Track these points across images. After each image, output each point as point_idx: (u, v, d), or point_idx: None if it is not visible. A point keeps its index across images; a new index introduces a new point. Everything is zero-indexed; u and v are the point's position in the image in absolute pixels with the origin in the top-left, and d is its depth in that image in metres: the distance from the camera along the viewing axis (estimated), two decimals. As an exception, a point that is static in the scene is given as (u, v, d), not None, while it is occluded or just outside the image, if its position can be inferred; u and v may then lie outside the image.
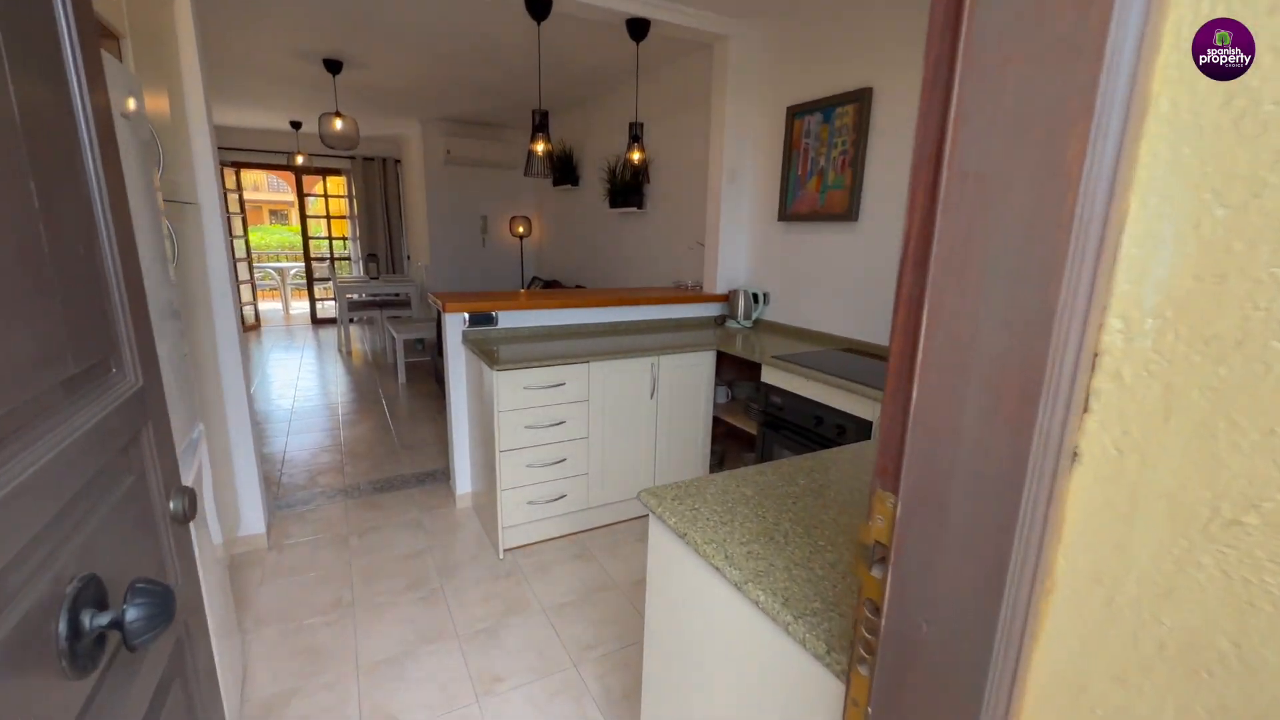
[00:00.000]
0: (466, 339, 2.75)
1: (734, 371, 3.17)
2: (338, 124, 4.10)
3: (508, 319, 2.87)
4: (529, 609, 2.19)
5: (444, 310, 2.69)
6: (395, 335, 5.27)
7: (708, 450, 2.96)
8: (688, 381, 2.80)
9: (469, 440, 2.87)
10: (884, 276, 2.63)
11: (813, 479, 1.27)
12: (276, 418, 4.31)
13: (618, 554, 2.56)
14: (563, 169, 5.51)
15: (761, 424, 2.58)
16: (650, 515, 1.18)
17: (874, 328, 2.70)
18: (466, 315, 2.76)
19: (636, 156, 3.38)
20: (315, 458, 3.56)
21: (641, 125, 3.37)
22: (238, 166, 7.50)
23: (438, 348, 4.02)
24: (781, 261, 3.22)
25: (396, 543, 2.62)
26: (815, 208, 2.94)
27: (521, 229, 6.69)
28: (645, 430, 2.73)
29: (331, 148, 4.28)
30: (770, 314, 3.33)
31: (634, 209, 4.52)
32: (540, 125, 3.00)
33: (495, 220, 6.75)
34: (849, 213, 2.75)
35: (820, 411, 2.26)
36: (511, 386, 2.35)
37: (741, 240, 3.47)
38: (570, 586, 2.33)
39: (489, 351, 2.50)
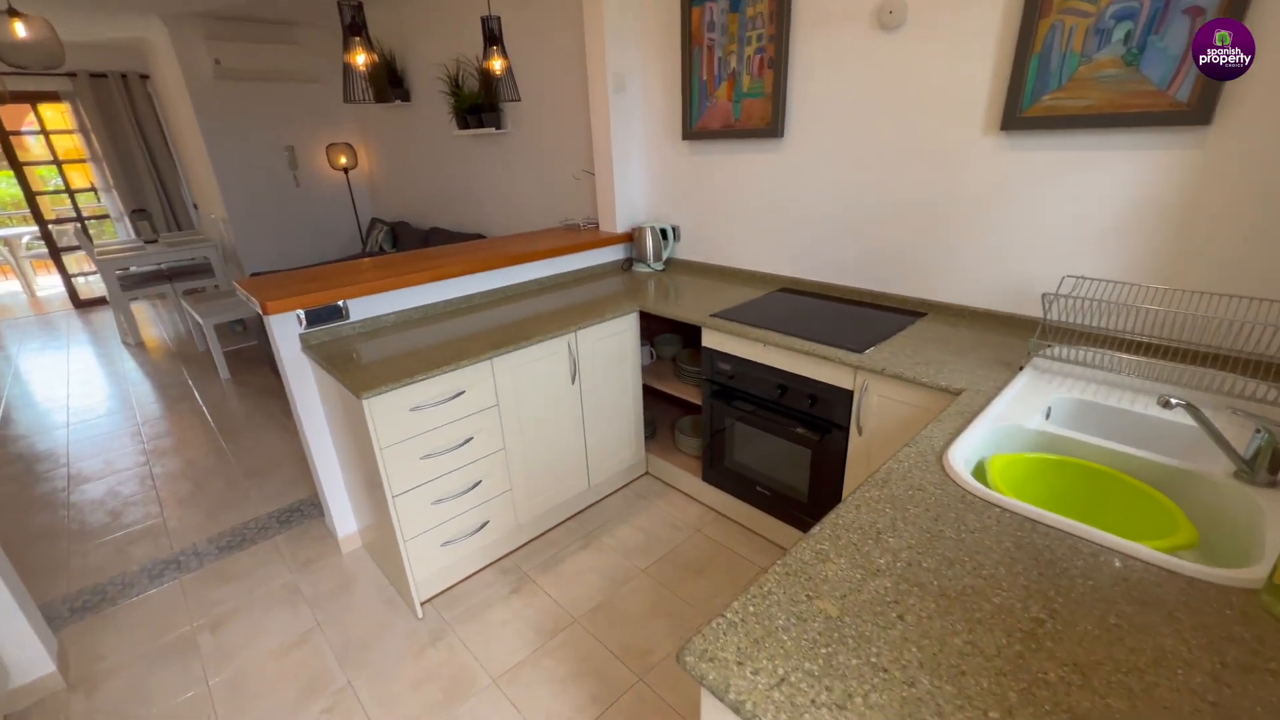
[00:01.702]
0: (309, 346, 2.00)
1: (652, 324, 2.74)
2: (18, 28, 2.72)
3: (362, 307, 2.13)
4: (476, 684, 1.74)
5: (265, 311, 1.90)
6: (200, 319, 4.07)
7: (641, 426, 2.57)
8: (611, 352, 2.33)
9: (341, 468, 2.20)
10: (820, 204, 2.27)
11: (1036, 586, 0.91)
12: (43, 458, 3.17)
13: (560, 572, 2.15)
14: (387, 81, 4.38)
15: (708, 395, 2.21)
16: (706, 691, 0.75)
17: (814, 264, 2.37)
18: (301, 314, 1.99)
19: (499, 65, 2.59)
20: (118, 516, 2.63)
21: (499, 20, 2.55)
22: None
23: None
24: (692, 189, 2.73)
25: (270, 629, 1.97)
26: (729, 122, 2.46)
27: (345, 159, 5.42)
28: (570, 421, 2.25)
29: (21, 67, 2.88)
30: (684, 252, 2.89)
31: (491, 130, 3.68)
32: (356, 26, 2.11)
33: (307, 152, 5.37)
34: (772, 127, 2.31)
35: (783, 379, 1.93)
36: (392, 413, 1.72)
37: (639, 166, 2.91)
38: (519, 636, 1.89)
39: (348, 366, 1.81)
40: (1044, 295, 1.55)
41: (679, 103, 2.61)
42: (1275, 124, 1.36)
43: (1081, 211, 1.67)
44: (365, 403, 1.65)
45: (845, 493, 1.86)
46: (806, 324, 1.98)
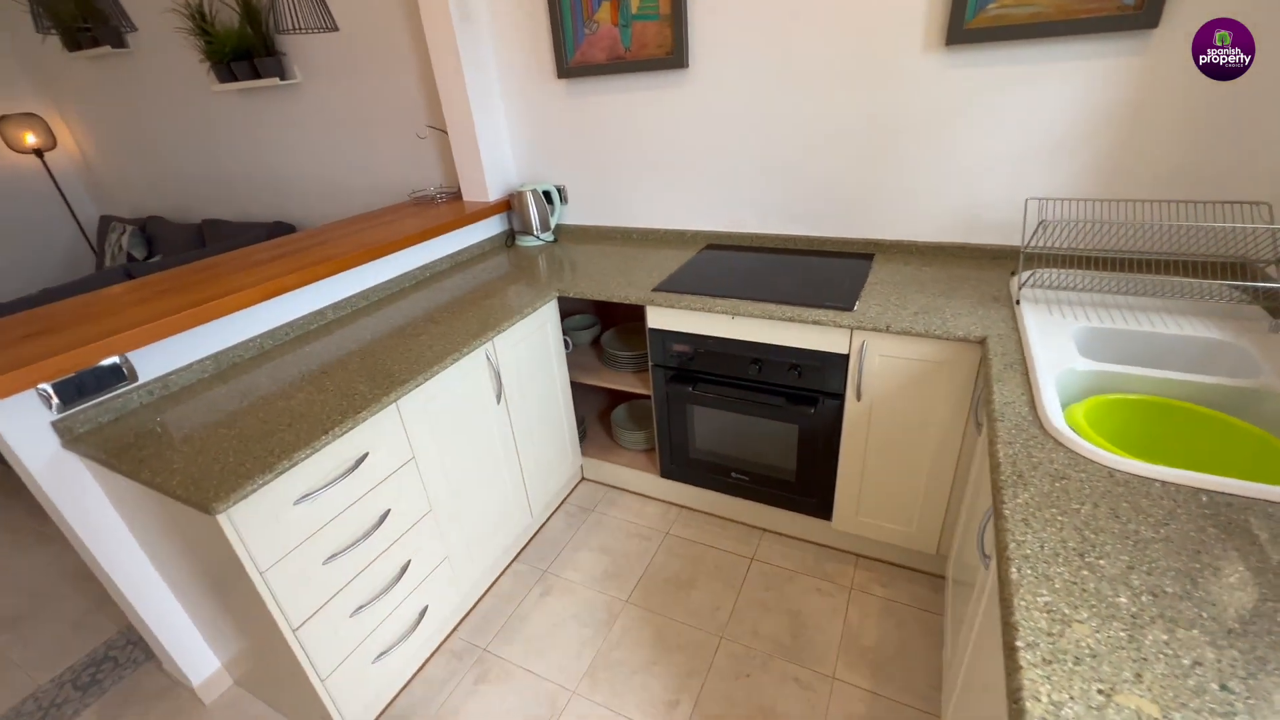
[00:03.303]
0: (76, 439, 1.26)
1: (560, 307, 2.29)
2: None
3: (154, 358, 1.41)
4: (474, 832, 1.30)
5: (-25, 401, 1.12)
6: None
7: (575, 430, 2.17)
8: (535, 354, 1.87)
9: (178, 589, 1.50)
10: (741, 145, 1.99)
11: None
12: None
13: (528, 635, 1.74)
14: (78, 13, 3.08)
15: (662, 382, 1.89)
16: None
17: (740, 214, 2.11)
18: (46, 388, 1.23)
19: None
20: None
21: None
22: None
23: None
24: (577, 140, 2.28)
25: None
26: (617, 53, 2.04)
27: (33, 138, 3.86)
28: (502, 449, 1.78)
29: None
30: (576, 216, 2.45)
31: (273, 82, 2.77)
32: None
33: (-36, 130, 3.71)
34: (674, 56, 1.95)
35: (758, 353, 1.68)
36: (268, 518, 1.13)
37: (504, 115, 2.36)
38: (508, 740, 1.47)
39: (166, 462, 1.15)
40: (1041, 222, 1.46)
41: (547, 31, 2.11)
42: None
43: (1030, 130, 1.61)
44: (223, 518, 1.05)
45: (840, 465, 1.70)
46: (765, 285, 1.73)
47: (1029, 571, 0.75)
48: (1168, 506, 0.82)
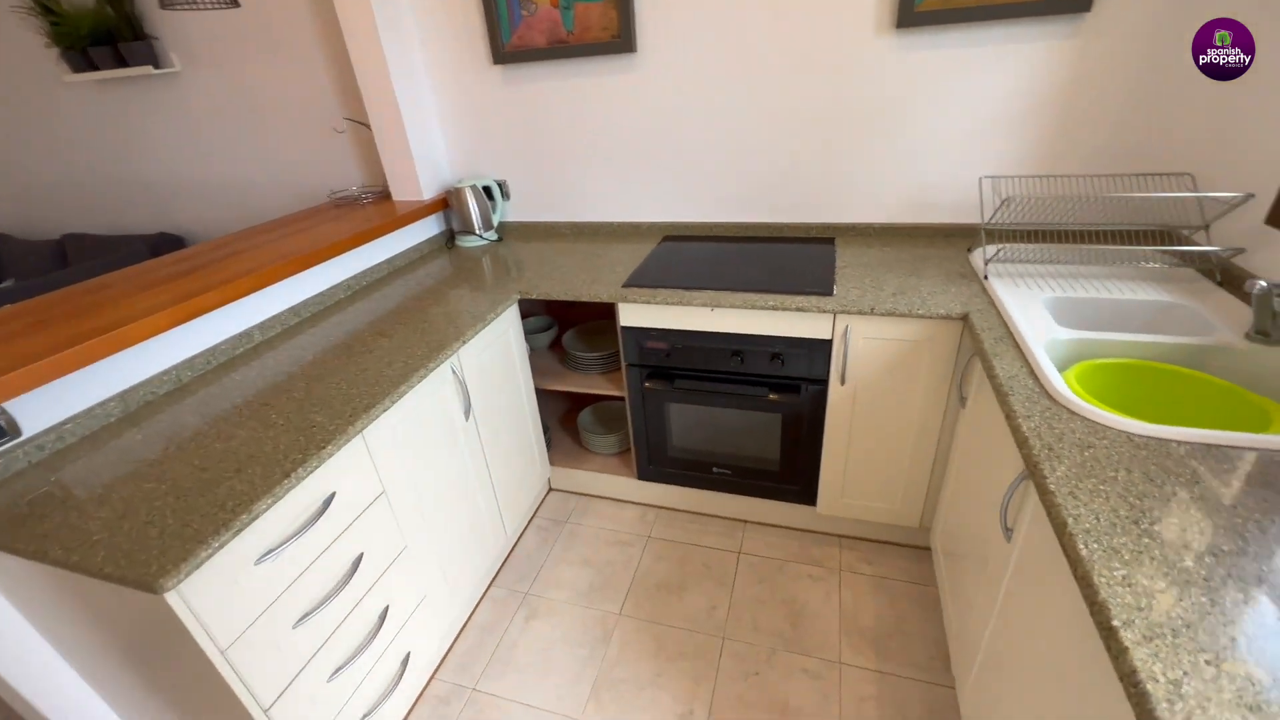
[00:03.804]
0: (-52, 514, 1.00)
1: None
2: None
3: (42, 406, 1.15)
4: None
5: None
6: None
7: (542, 439, 2.04)
8: (498, 362, 1.73)
9: (104, 678, 1.24)
10: (695, 131, 1.94)
11: None
12: None
13: (520, 665, 1.61)
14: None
15: (638, 381, 1.80)
16: None
17: (697, 204, 2.06)
18: (-99, 457, 0.96)
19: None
20: None
21: None
22: None
23: None
24: (518, 131, 2.13)
25: None
26: (559, 36, 1.91)
27: None
28: (475, 468, 1.64)
29: None
30: (520, 213, 2.30)
31: (146, 71, 2.39)
32: None
33: None
34: (621, 40, 1.86)
35: (739, 344, 1.64)
36: (225, 586, 0.95)
37: (434, 105, 2.16)
38: (517, 785, 1.35)
39: (78, 535, 0.93)
40: (1005, 199, 1.52)
41: (479, 13, 1.94)
42: (1141, 4, 1.46)
43: (976, 111, 1.67)
44: (173, 596, 0.86)
45: (825, 450, 1.70)
46: (736, 274, 1.69)
47: (1095, 546, 0.74)
48: (1192, 466, 0.86)
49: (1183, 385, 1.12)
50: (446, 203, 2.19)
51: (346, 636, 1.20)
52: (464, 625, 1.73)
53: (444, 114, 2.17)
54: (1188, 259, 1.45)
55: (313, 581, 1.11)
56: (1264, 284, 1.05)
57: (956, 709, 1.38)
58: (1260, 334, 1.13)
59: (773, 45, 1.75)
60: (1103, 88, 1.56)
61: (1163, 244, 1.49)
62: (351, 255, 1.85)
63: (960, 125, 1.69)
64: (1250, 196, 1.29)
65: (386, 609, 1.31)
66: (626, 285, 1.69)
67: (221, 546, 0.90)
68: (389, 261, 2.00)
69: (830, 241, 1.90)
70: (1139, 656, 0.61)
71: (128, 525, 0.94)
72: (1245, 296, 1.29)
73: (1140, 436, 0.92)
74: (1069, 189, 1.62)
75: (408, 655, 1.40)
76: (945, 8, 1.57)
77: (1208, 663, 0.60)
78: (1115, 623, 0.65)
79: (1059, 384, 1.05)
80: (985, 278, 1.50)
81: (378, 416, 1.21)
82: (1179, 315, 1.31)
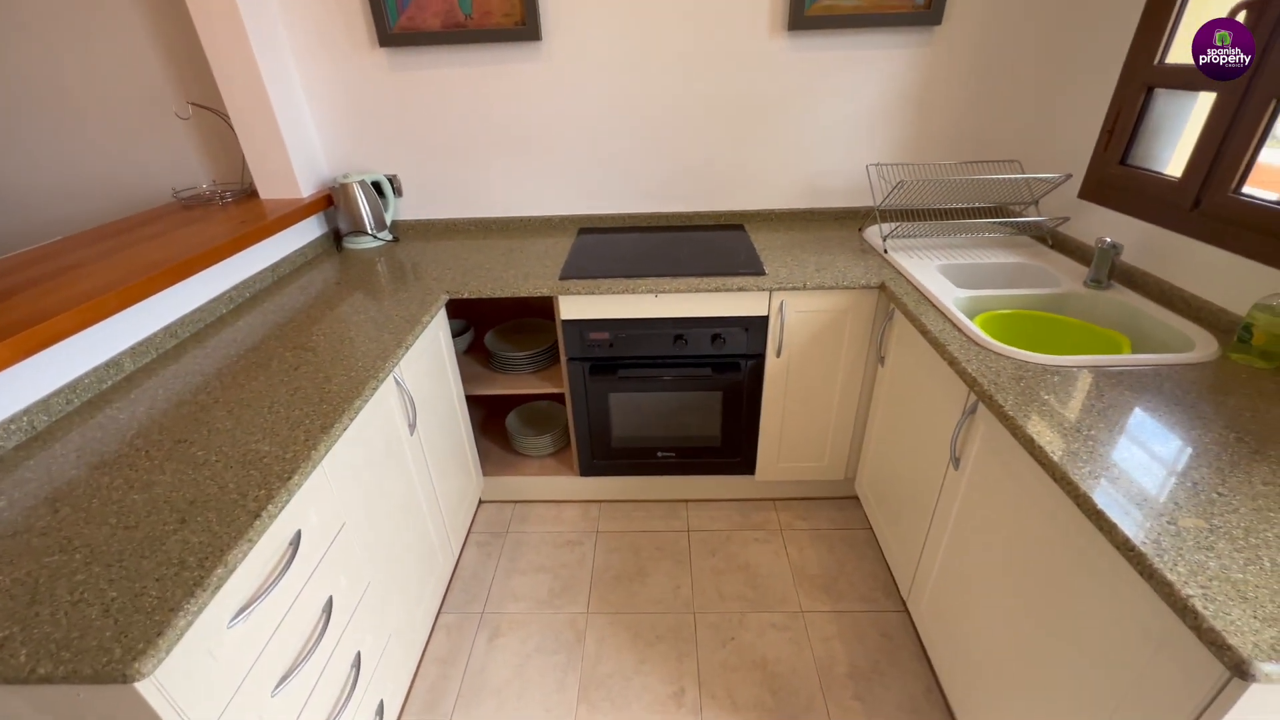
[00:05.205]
0: None
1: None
2: None
3: None
4: None
5: None
6: None
7: (474, 447, 1.92)
8: (432, 368, 1.59)
9: None
10: (603, 122, 1.95)
11: None
12: None
13: (495, 685, 1.52)
14: None
15: (582, 376, 1.77)
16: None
17: (608, 195, 2.07)
18: None
19: None
20: None
21: None
22: None
23: None
24: (408, 120, 1.96)
25: None
26: (455, 20, 1.80)
27: None
28: (421, 485, 1.49)
29: None
30: (414, 210, 2.12)
31: None
32: None
33: None
34: (525, 27, 1.80)
35: (680, 328, 1.69)
36: (199, 666, 0.78)
37: (305, 89, 1.90)
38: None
39: (25, 616, 0.70)
40: (899, 183, 1.74)
41: (360, -11, 1.76)
42: (978, 20, 1.77)
43: (856, 107, 1.90)
44: (147, 685, 0.68)
45: (763, 420, 1.82)
46: (668, 261, 1.75)
47: (1059, 452, 0.91)
48: (1092, 382, 1.08)
49: (1053, 326, 1.40)
50: (331, 201, 1.95)
51: (325, 693, 1.04)
52: (419, 661, 1.58)
53: (318, 100, 1.93)
54: (1024, 229, 1.80)
55: (288, 637, 0.94)
56: (1109, 240, 1.35)
57: (907, 629, 1.58)
58: (1095, 282, 1.45)
59: (677, 41, 1.82)
60: (950, 87, 1.86)
61: (1006, 218, 1.83)
62: (229, 263, 1.57)
63: (846, 119, 1.91)
64: (1068, 176, 1.64)
65: (359, 655, 1.15)
66: (563, 278, 1.66)
67: (201, 610, 0.74)
68: (273, 269, 1.74)
69: (740, 228, 2.03)
70: (1128, 527, 0.77)
71: (45, 611, 0.72)
72: (1075, 255, 1.64)
73: (1053, 366, 1.14)
74: (933, 174, 1.91)
75: (380, 704, 1.24)
76: (828, 14, 1.76)
77: (1168, 522, 0.77)
78: (1154, 563, 0.75)
79: (979, 332, 1.25)
80: (885, 252, 1.72)
81: (339, 436, 1.06)
82: (1032, 272, 1.63)
